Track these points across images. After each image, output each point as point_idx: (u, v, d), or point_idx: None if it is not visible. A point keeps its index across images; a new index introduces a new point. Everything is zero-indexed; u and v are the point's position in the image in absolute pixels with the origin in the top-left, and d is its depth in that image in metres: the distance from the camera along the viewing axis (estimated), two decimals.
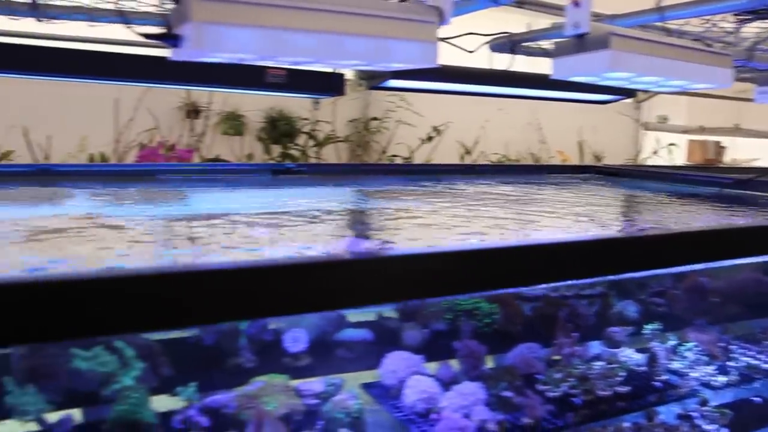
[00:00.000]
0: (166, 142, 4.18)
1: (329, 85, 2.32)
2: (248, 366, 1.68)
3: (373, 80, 2.55)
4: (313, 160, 4.92)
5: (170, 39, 1.21)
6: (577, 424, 1.74)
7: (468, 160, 5.49)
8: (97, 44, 2.61)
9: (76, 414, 1.46)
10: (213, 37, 1.14)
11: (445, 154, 5.33)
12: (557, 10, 2.07)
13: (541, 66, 2.01)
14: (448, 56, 1.64)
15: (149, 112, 4.40)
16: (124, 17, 1.23)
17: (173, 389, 1.53)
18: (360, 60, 1.34)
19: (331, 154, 5.08)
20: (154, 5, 1.49)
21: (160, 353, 1.59)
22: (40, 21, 1.44)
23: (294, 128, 4.90)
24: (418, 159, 5.23)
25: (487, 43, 2.30)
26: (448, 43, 1.68)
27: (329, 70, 2.33)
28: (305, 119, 4.91)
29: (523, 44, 2.38)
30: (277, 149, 4.82)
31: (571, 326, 2.18)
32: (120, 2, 1.38)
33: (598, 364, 2.05)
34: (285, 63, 1.42)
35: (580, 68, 1.61)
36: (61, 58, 1.95)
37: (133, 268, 0.74)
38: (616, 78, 1.68)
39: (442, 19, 1.40)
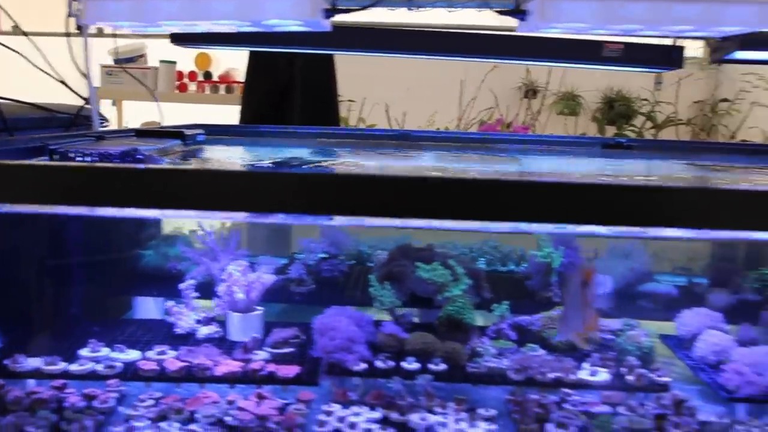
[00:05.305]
0: (504, 120, 4.59)
1: (668, 58, 2.28)
2: (555, 299, 1.95)
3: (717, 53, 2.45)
4: None
5: (518, 14, 1.51)
6: None
7: None
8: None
9: (415, 312, 1.91)
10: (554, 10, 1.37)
11: None
12: None
13: None
14: None
15: (491, 92, 4.83)
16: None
17: (489, 307, 1.88)
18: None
19: (670, 137, 4.90)
20: None
21: (482, 278, 1.96)
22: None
23: (631, 109, 4.87)
24: None
25: None
26: None
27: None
28: (644, 100, 4.83)
29: None
30: (611, 130, 4.86)
31: None
32: None
33: None
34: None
35: None
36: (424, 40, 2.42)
37: None
38: None
39: None
